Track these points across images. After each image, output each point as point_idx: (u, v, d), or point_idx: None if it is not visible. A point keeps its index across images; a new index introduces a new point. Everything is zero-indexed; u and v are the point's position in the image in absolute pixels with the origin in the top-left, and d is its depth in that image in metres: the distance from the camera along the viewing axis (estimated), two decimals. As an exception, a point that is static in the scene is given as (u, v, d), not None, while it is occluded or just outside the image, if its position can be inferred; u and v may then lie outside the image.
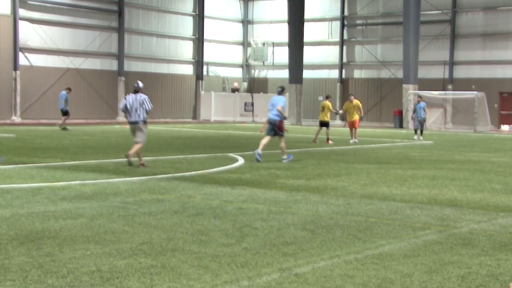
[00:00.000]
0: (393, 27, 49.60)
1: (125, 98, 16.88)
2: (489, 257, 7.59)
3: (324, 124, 27.38)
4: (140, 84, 16.95)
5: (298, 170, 16.44)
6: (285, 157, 18.60)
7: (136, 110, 16.49)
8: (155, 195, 11.74)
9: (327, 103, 27.64)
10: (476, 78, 46.43)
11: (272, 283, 6.35)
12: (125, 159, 16.70)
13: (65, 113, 33.31)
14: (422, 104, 31.68)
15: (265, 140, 18.74)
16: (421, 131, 31.19)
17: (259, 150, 18.29)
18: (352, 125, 27.84)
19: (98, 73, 46.32)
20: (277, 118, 18.62)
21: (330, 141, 26.81)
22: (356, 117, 27.79)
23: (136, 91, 16.71)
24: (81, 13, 45.23)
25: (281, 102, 18.55)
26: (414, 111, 31.93)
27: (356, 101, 27.98)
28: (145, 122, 16.65)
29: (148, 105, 16.51)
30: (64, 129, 32.63)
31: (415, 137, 30.99)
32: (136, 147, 16.52)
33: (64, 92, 33.69)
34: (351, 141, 27.44)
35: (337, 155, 21.07)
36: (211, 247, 7.79)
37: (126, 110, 16.68)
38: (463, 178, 15.30)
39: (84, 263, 6.93)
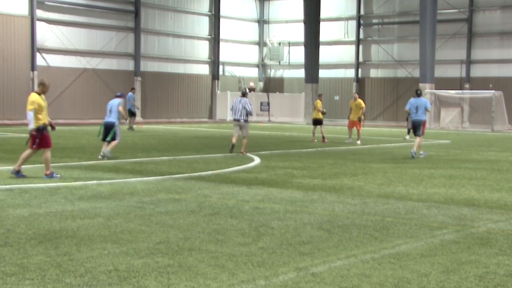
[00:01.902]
0: (409, 26, 49.39)
1: (234, 101, 20.65)
2: (507, 257, 7.55)
3: (317, 122, 27.20)
4: (247, 89, 21.49)
5: (314, 169, 16.43)
6: (422, 152, 20.55)
7: (239, 110, 20.28)
8: (172, 195, 11.78)
9: (317, 101, 27.50)
10: (494, 77, 46.12)
11: (289, 283, 6.36)
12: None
13: (132, 113, 33.83)
14: None
15: (418, 140, 20.47)
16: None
17: (414, 149, 20.17)
18: (352, 125, 27.32)
19: (114, 73, 46.52)
20: (423, 118, 20.49)
21: (325, 140, 26.67)
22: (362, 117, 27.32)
23: (243, 94, 20.70)
24: (97, 13, 45.45)
25: (427, 103, 20.71)
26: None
27: (359, 101, 27.43)
28: (246, 120, 20.40)
29: (249, 107, 20.30)
30: (131, 128, 33.42)
31: (407, 136, 30.05)
32: (244, 143, 20.26)
33: (130, 93, 34.33)
34: (346, 141, 26.93)
35: (354, 155, 21.03)
36: (228, 246, 7.81)
37: (232, 109, 20.58)
38: (480, 178, 15.21)
39: (101, 262, 6.97)
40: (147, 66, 48.62)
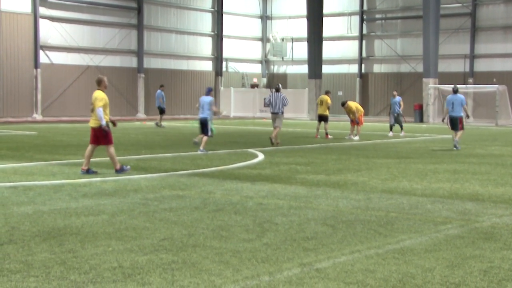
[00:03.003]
0: (412, 21, 49.30)
1: (269, 96, 23.31)
2: (511, 251, 7.54)
3: (322, 118, 27.14)
4: (280, 85, 23.98)
5: (318, 165, 16.42)
6: (458, 146, 21.66)
7: (276, 104, 22.79)
8: (176, 191, 11.79)
9: (326, 97, 27.41)
10: (498, 71, 46.03)
11: (293, 278, 6.36)
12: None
13: (162, 111, 33.95)
14: (398, 98, 29.68)
15: (454, 134, 22.02)
16: (401, 126, 29.36)
17: (457, 142, 21.77)
18: (353, 123, 27.13)
19: (117, 70, 46.53)
20: (460, 114, 21.96)
21: (329, 136, 26.62)
22: (357, 115, 26.94)
23: (277, 90, 23.15)
24: (100, 10, 45.46)
25: (464, 100, 22.17)
26: (391, 106, 29.93)
27: (349, 106, 26.96)
28: (282, 113, 22.96)
29: (286, 101, 22.90)
30: (160, 126, 33.56)
31: (390, 133, 29.15)
32: (275, 131, 22.65)
33: (159, 90, 34.53)
34: (346, 137, 26.83)
35: (357, 150, 21.02)
36: (232, 242, 7.81)
37: (269, 104, 23.23)
38: (484, 172, 15.19)
39: (106, 259, 6.98)
40: (150, 63, 48.62)
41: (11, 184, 12.37)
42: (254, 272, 6.56)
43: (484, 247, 7.74)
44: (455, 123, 21.93)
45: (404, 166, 16.31)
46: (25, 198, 10.87)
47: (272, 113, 23.01)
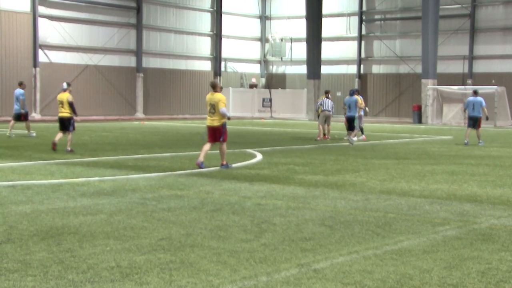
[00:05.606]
0: (411, 22, 49.30)
1: (321, 100, 26.31)
2: (509, 253, 7.54)
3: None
4: (328, 90, 26.87)
5: (316, 165, 16.42)
6: (481, 141, 24.36)
7: (327, 105, 25.61)
8: (174, 191, 11.78)
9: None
10: (496, 73, 46.06)
11: (291, 279, 6.36)
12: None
13: None
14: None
15: (469, 131, 24.60)
16: (353, 129, 26.14)
17: (467, 139, 24.43)
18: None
19: (116, 70, 46.52)
20: (479, 115, 24.34)
21: (327, 137, 26.59)
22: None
23: (327, 92, 26.21)
24: (99, 10, 45.45)
25: (483, 102, 24.36)
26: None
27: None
28: (332, 114, 25.72)
29: (330, 103, 25.89)
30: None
31: (362, 137, 26.71)
32: (328, 129, 25.74)
33: None
34: (345, 137, 26.74)
35: (356, 151, 21.02)
36: (230, 242, 7.81)
37: (321, 104, 26.01)
38: (482, 173, 15.19)
39: (103, 258, 6.97)
40: (149, 62, 48.62)
41: (9, 183, 12.36)
42: (252, 272, 6.56)
43: (482, 248, 7.74)
44: (475, 122, 24.34)
45: (402, 167, 16.31)
46: (23, 197, 10.86)
47: (323, 110, 25.82)
